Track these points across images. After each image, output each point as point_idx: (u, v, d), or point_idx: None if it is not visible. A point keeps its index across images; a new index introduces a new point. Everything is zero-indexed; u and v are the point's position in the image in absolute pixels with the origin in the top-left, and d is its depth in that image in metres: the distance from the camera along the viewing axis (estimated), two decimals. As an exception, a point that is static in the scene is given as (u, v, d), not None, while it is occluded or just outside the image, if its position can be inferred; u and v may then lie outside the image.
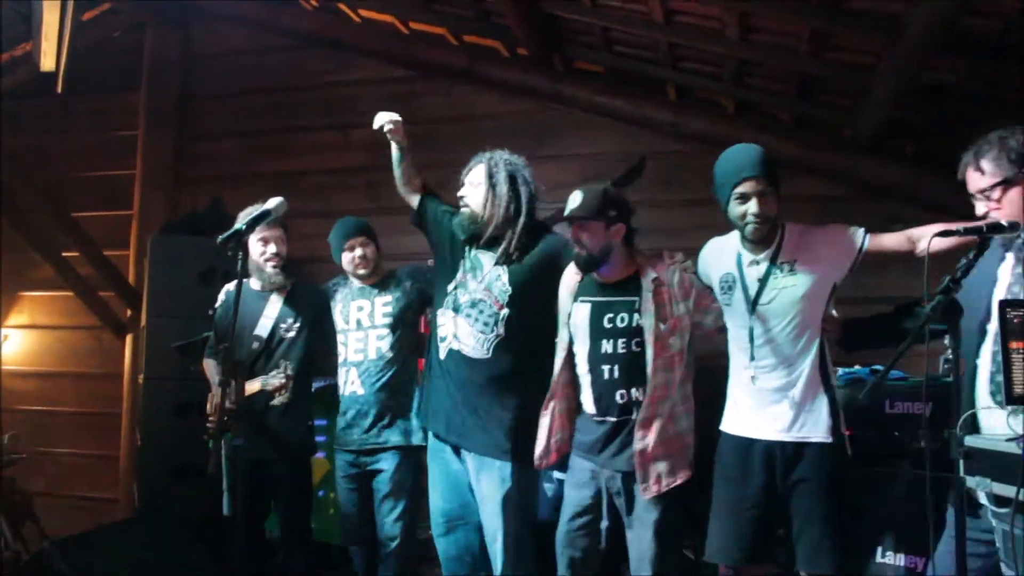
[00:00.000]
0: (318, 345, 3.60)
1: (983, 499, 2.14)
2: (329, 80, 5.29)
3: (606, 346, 2.83)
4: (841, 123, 4.18)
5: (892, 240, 2.65)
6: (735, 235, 2.82)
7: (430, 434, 3.25)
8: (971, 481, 2.02)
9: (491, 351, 3.04)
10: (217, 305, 3.68)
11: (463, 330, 3.08)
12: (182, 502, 4.10)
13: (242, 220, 2.87)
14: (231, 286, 3.57)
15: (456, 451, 3.14)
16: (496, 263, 3.09)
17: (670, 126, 4.53)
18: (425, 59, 5.03)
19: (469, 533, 3.17)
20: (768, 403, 2.67)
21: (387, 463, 3.42)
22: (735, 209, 2.67)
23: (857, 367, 3.48)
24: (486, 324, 3.05)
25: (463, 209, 3.16)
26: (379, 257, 3.58)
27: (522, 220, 3.09)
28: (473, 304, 3.08)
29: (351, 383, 3.48)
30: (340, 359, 3.54)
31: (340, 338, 3.55)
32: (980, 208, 2.33)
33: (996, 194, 2.27)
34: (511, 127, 4.73)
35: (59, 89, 3.90)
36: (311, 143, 5.28)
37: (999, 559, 2.20)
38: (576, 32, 4.42)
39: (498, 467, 3.02)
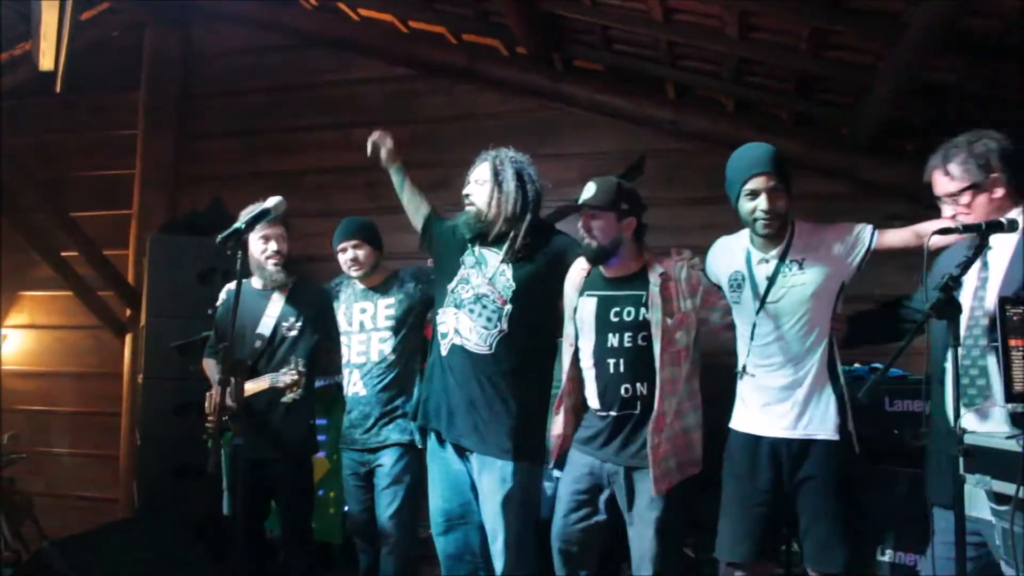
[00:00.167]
0: (320, 344, 3.59)
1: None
2: (329, 79, 5.30)
3: (612, 340, 2.82)
4: (841, 122, 4.19)
5: (898, 236, 2.65)
6: (744, 234, 2.82)
7: (430, 435, 3.24)
8: (971, 479, 2.02)
9: (493, 346, 3.03)
10: (218, 304, 3.68)
11: (465, 325, 3.07)
12: (182, 502, 4.10)
13: (242, 219, 2.86)
14: (232, 285, 3.57)
15: (457, 450, 3.14)
16: (502, 260, 3.09)
17: (670, 124, 4.54)
18: (425, 58, 5.04)
19: (469, 532, 3.16)
20: (776, 400, 2.67)
21: (387, 458, 3.42)
22: (745, 205, 2.67)
23: (857, 365, 3.48)
24: (489, 319, 3.05)
25: (468, 207, 3.16)
26: (378, 259, 3.55)
27: (528, 217, 3.10)
28: (476, 299, 3.08)
29: (354, 384, 3.49)
30: (343, 360, 3.55)
31: (343, 339, 3.55)
32: (947, 211, 2.38)
33: (965, 199, 2.33)
34: (511, 126, 4.73)
35: (58, 88, 3.90)
36: (311, 142, 5.28)
37: (988, 559, 2.21)
38: (576, 31, 4.42)
39: (499, 466, 3.01)
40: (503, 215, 3.09)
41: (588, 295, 2.92)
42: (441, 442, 3.18)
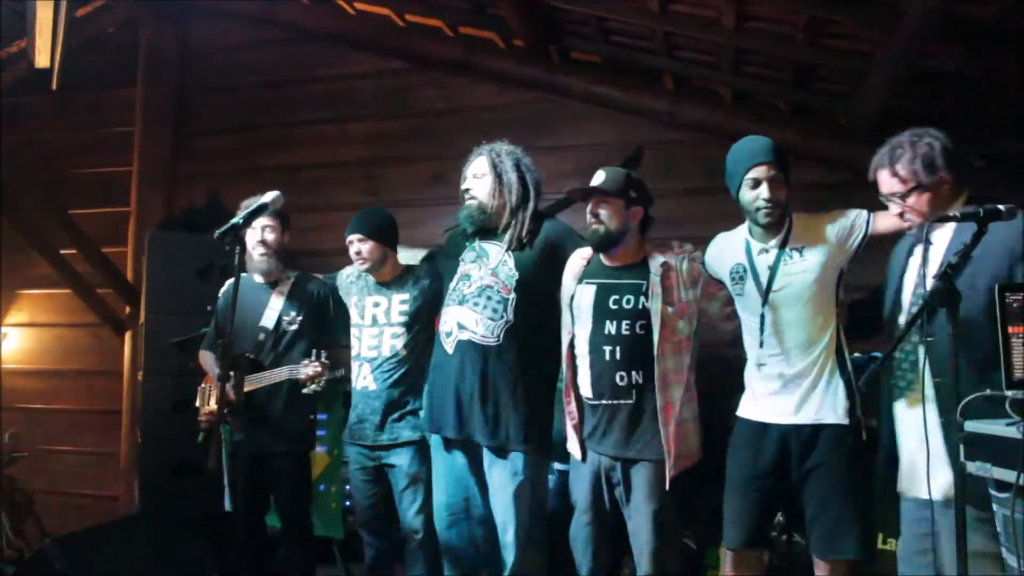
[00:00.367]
0: (321, 338, 3.58)
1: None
2: (325, 74, 5.28)
3: (609, 327, 2.83)
4: (839, 111, 4.18)
5: (891, 221, 2.66)
6: (741, 228, 2.86)
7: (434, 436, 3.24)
8: (971, 467, 2.03)
9: (501, 337, 3.04)
10: (220, 294, 3.68)
11: (470, 318, 3.07)
12: (183, 499, 4.10)
13: (240, 214, 2.86)
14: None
15: (463, 445, 3.14)
16: (507, 249, 3.11)
17: (667, 115, 4.52)
18: (421, 51, 5.02)
19: (473, 526, 3.17)
20: (785, 388, 2.68)
21: (401, 458, 3.39)
22: (747, 195, 2.70)
23: (857, 355, 3.48)
24: (495, 311, 3.05)
25: (469, 202, 3.17)
26: (385, 254, 3.50)
27: (531, 205, 3.13)
28: (480, 292, 3.09)
29: (363, 378, 3.45)
30: (353, 352, 3.51)
31: (354, 332, 3.51)
32: (894, 209, 2.48)
33: (912, 199, 2.42)
34: (508, 118, 4.72)
35: (54, 86, 3.90)
36: (308, 137, 5.27)
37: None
38: (572, 22, 4.41)
39: (511, 459, 3.02)
40: (508, 205, 3.13)
41: (587, 283, 2.92)
42: (448, 444, 3.18)
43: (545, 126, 4.74)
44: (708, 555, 3.65)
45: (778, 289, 2.70)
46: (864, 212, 2.69)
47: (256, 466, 3.31)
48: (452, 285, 3.20)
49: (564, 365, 2.96)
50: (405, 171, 4.96)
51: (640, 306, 2.80)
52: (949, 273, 2.05)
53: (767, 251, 2.75)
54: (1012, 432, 1.92)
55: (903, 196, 2.43)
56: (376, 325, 3.46)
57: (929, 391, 2.35)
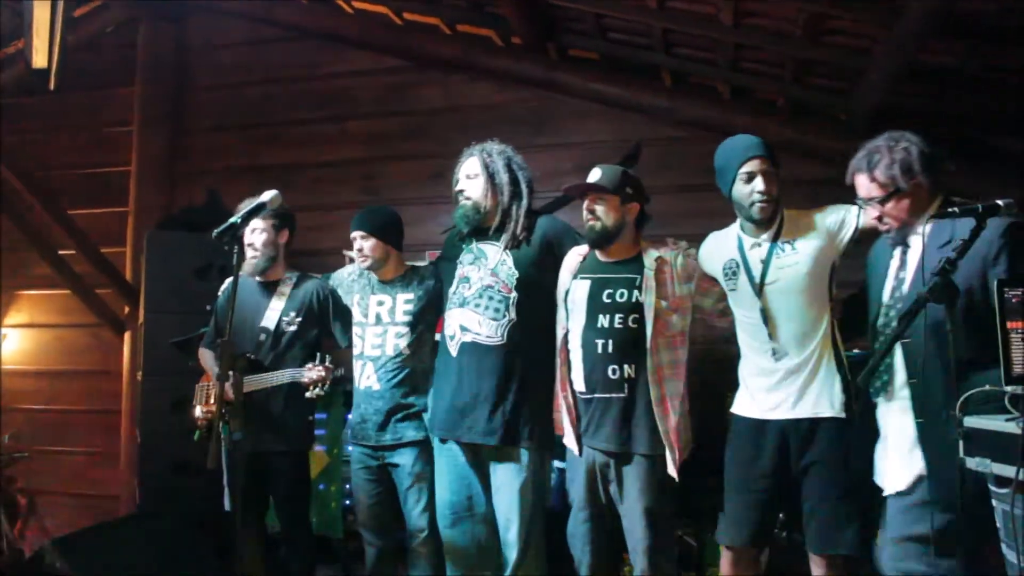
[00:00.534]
0: (320, 337, 3.57)
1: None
2: (324, 72, 5.28)
3: (602, 320, 2.84)
4: (838, 108, 4.17)
5: None
6: (733, 226, 2.87)
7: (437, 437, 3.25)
8: (970, 462, 2.03)
9: (505, 336, 3.05)
10: (219, 293, 3.67)
11: (473, 320, 3.08)
12: (183, 498, 4.09)
13: (238, 214, 2.85)
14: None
15: (466, 445, 3.13)
16: (504, 247, 3.12)
17: (665, 112, 4.53)
18: (419, 50, 5.02)
19: (475, 524, 3.16)
20: (781, 382, 2.68)
21: (405, 457, 3.37)
22: (741, 189, 2.71)
23: (856, 351, 3.47)
24: (497, 310, 3.06)
25: (464, 202, 3.18)
26: (388, 252, 3.46)
27: (524, 202, 3.14)
28: (482, 292, 3.10)
29: (367, 377, 3.43)
30: (356, 351, 3.49)
31: (357, 331, 3.49)
32: (872, 213, 2.51)
33: (890, 205, 2.45)
34: (506, 116, 4.73)
35: (52, 86, 3.88)
36: (307, 136, 5.26)
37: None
38: (570, 19, 4.41)
39: (515, 457, 3.03)
40: (500, 204, 3.15)
41: (582, 277, 2.94)
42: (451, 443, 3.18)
43: (544, 123, 4.75)
44: (707, 553, 3.64)
45: (771, 282, 2.71)
46: (854, 207, 2.70)
47: (255, 465, 3.31)
48: (452, 288, 3.20)
49: (559, 360, 2.96)
50: (404, 169, 4.95)
51: (633, 299, 2.81)
52: (948, 269, 2.06)
53: (759, 245, 2.77)
54: (1011, 427, 1.92)
55: (881, 201, 2.46)
56: (380, 324, 3.45)
57: (904, 391, 2.41)
